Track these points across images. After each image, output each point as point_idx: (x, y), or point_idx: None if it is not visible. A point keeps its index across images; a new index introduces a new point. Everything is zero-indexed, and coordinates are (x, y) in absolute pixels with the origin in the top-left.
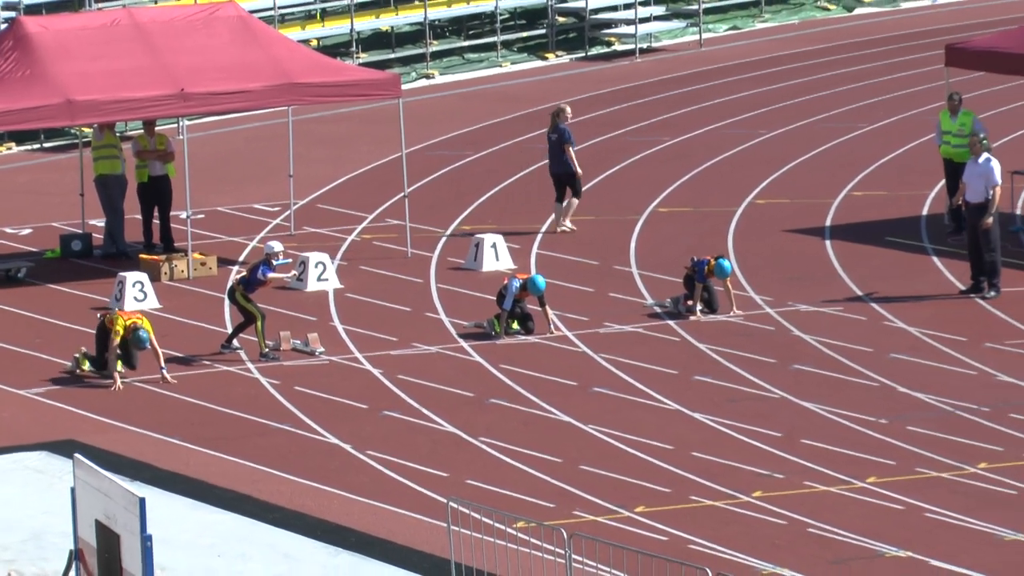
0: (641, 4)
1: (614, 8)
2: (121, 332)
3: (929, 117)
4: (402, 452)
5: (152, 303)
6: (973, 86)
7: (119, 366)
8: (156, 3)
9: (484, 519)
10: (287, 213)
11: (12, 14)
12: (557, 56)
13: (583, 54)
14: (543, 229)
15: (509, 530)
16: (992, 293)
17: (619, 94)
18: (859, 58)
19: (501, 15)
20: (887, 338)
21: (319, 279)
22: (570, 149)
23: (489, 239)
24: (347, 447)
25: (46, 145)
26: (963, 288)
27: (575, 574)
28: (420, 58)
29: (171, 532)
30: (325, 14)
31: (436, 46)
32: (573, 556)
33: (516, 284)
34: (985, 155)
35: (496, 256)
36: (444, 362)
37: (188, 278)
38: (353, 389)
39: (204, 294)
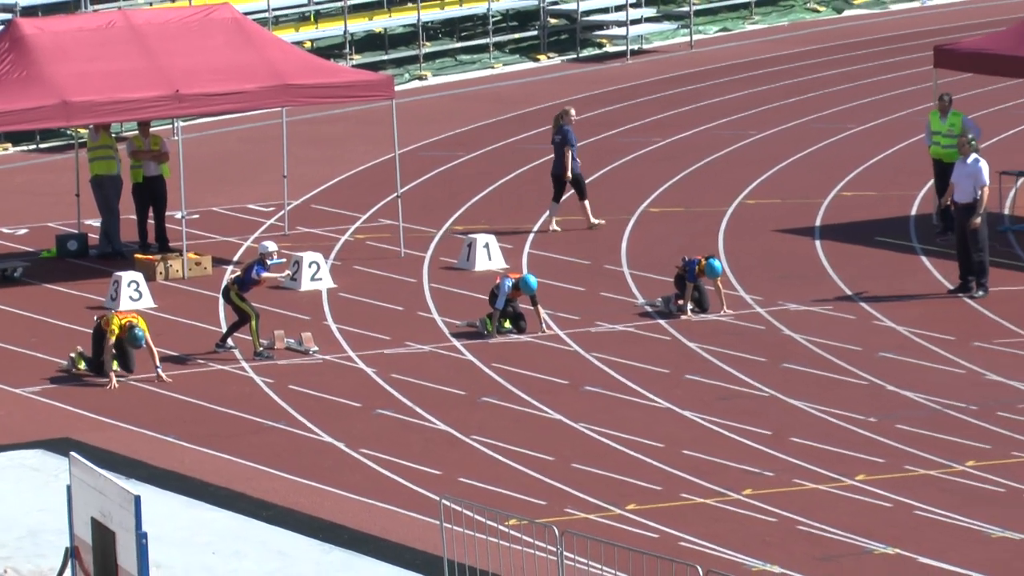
0: (632, 6)
1: (605, 10)
2: (116, 331)
3: (918, 118)
4: (395, 450)
5: (147, 302)
6: (961, 87)
7: (115, 366)
8: (151, 5)
9: (476, 516)
10: (281, 213)
11: (8, 16)
12: (549, 58)
13: (575, 55)
14: (535, 228)
15: (501, 527)
16: (980, 293)
17: (610, 95)
18: (848, 59)
19: (493, 17)
20: (876, 337)
21: (313, 279)
22: (569, 151)
23: (482, 239)
24: (340, 445)
25: (42, 146)
26: (951, 288)
27: (567, 571)
28: (413, 60)
29: (166, 529)
30: (319, 16)
31: (429, 48)
32: (565, 553)
33: (508, 283)
34: (973, 156)
35: (488, 256)
36: (437, 361)
37: (183, 278)
38: (346, 388)
39: (199, 293)
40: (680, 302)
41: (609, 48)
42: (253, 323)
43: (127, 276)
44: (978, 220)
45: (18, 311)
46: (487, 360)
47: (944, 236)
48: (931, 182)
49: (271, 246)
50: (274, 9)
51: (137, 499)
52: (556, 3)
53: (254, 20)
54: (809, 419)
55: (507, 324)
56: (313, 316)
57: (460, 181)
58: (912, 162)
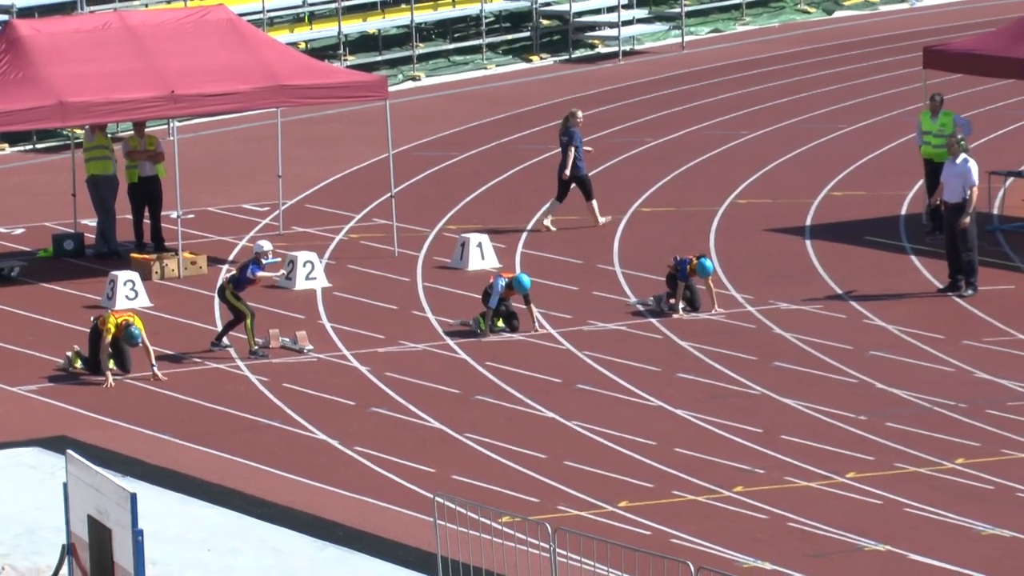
0: (624, 7)
1: (597, 11)
2: (113, 330)
3: (908, 118)
4: (389, 448)
5: (143, 302)
6: (951, 88)
7: (111, 365)
8: (147, 7)
9: (470, 514)
10: (276, 213)
11: (5, 17)
12: (542, 58)
13: (567, 56)
14: (528, 228)
15: (494, 525)
16: (969, 291)
17: (602, 96)
18: (839, 60)
19: (486, 18)
20: (866, 336)
21: (307, 278)
22: (571, 152)
23: (475, 238)
24: (335, 443)
25: (39, 146)
26: (941, 286)
27: (559, 568)
28: (407, 60)
29: (162, 527)
30: (313, 17)
31: (422, 48)
32: (557, 550)
33: (502, 283)
34: (963, 156)
35: (482, 255)
36: (430, 359)
37: (179, 277)
38: (341, 386)
39: (194, 293)
40: (672, 301)
41: (601, 49)
42: (248, 322)
43: (123, 275)
44: (967, 220)
45: (15, 310)
46: (480, 359)
47: (933, 235)
48: (921, 182)
49: (266, 245)
50: (269, 10)
51: (133, 496)
52: (548, 4)
53: (249, 21)
54: (800, 417)
55: (500, 323)
56: (308, 315)
57: (453, 181)
58: (901, 162)
